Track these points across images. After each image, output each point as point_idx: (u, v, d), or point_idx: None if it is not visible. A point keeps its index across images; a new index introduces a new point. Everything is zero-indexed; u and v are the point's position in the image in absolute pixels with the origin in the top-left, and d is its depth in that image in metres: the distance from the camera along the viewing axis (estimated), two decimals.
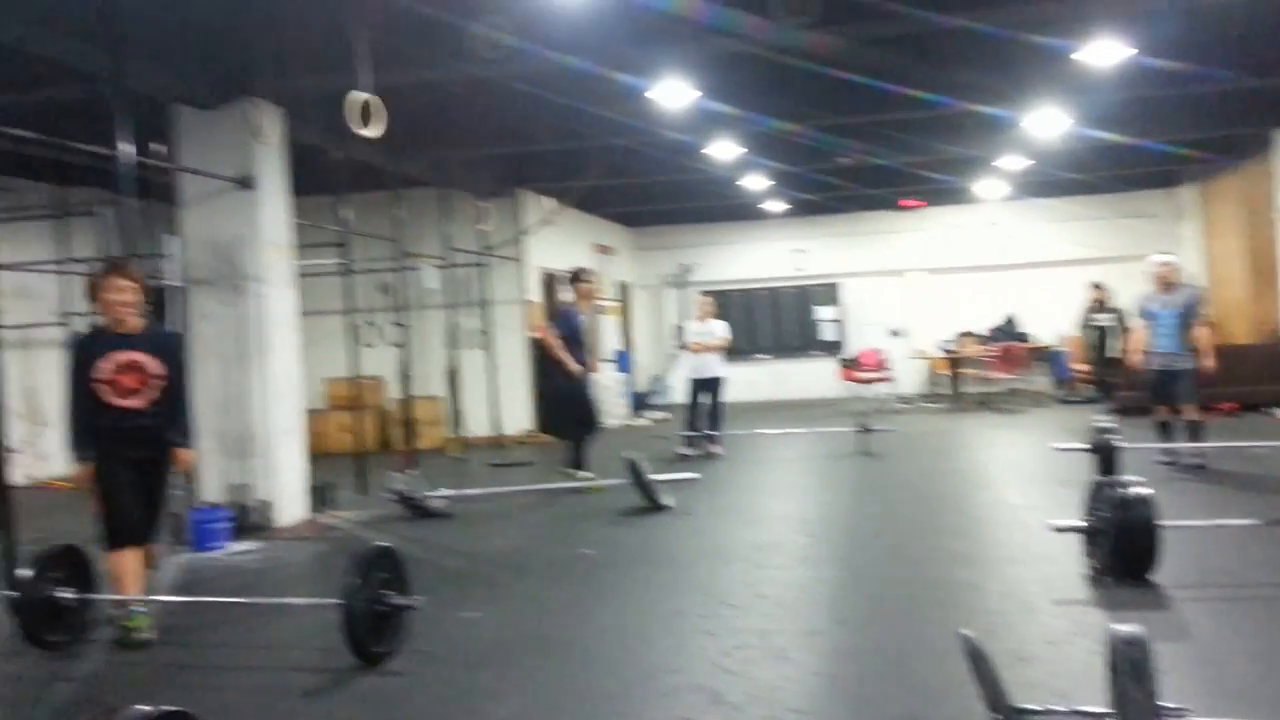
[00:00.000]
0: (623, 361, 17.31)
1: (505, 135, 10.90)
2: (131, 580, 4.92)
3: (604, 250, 17.40)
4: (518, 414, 13.31)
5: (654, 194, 15.57)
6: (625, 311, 18.68)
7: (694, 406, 11.39)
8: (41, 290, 10.96)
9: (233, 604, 5.40)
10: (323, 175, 8.97)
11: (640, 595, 5.59)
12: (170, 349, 5.10)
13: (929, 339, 17.60)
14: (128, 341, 4.87)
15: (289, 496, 7.83)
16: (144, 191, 8.79)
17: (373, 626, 4.44)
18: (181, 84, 7.50)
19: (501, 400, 12.69)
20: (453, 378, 11.81)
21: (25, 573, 4.80)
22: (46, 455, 11.00)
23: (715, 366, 11.39)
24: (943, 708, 3.74)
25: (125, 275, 4.97)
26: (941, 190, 16.11)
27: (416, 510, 7.86)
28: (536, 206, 13.81)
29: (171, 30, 7.05)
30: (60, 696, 4.34)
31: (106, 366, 4.80)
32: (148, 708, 2.48)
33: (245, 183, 7.72)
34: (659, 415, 15.92)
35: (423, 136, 10.49)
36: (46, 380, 11.14)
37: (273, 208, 7.95)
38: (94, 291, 5.00)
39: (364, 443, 9.98)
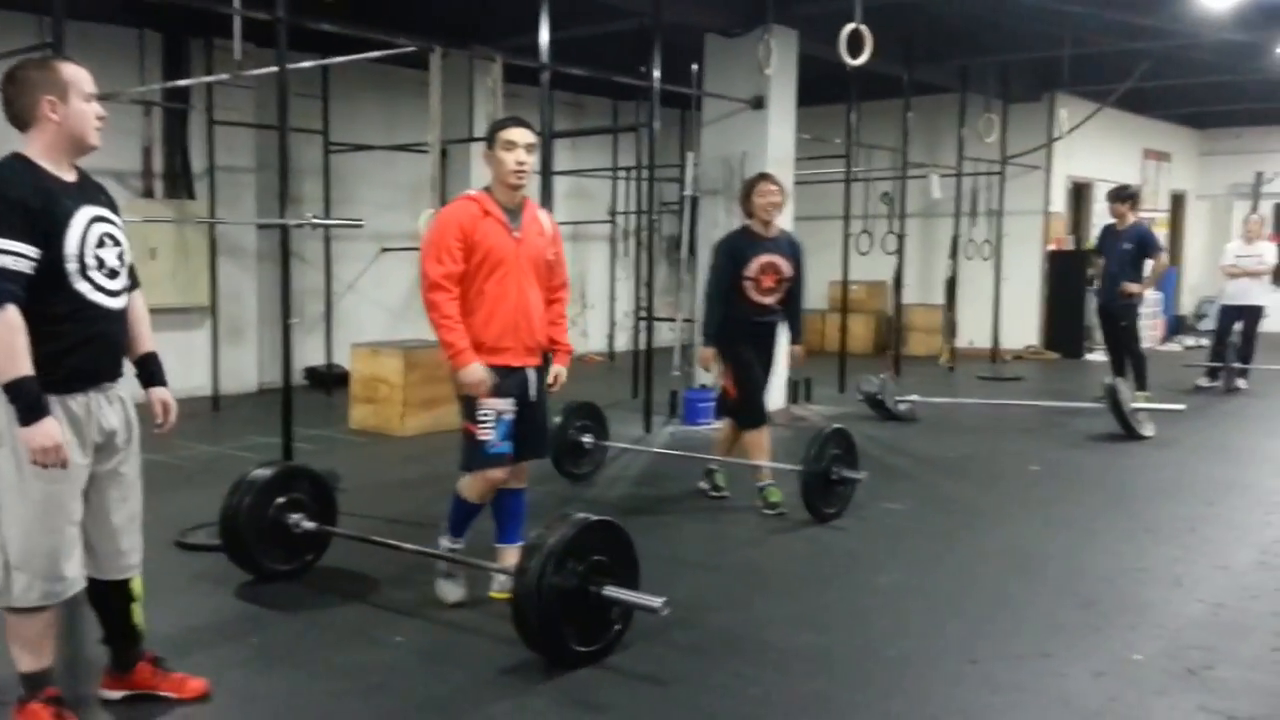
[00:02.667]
0: (1165, 281, 16.71)
1: (1035, 39, 11.07)
2: (763, 453, 6.02)
3: (1157, 157, 16.74)
4: (1021, 328, 13.74)
5: (1220, 93, 14.65)
6: (1176, 224, 17.86)
7: (1222, 336, 11.10)
8: (594, 191, 13.57)
9: (709, 462, 6.91)
10: (837, 85, 10.09)
11: (1064, 512, 6.19)
12: (798, 254, 5.98)
13: None
14: (768, 245, 5.92)
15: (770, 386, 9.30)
16: (684, 108, 10.66)
17: (823, 491, 5.75)
18: (710, 15, 9.09)
19: (1004, 313, 13.20)
20: (951, 288, 12.56)
21: (555, 420, 6.65)
22: (587, 333, 13.77)
23: (1256, 293, 10.95)
24: None
25: (774, 181, 5.96)
26: None
27: (883, 412, 8.98)
28: (1071, 111, 13.78)
29: None
30: (566, 507, 6.09)
31: (753, 266, 5.87)
32: (585, 514, 3.87)
33: (757, 103, 9.19)
34: (1195, 342, 15.29)
35: (946, 43, 11.19)
36: (593, 268, 13.87)
37: (779, 126, 9.35)
38: (746, 195, 5.95)
39: (858, 344, 11.20)
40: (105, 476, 3.18)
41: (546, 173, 7.72)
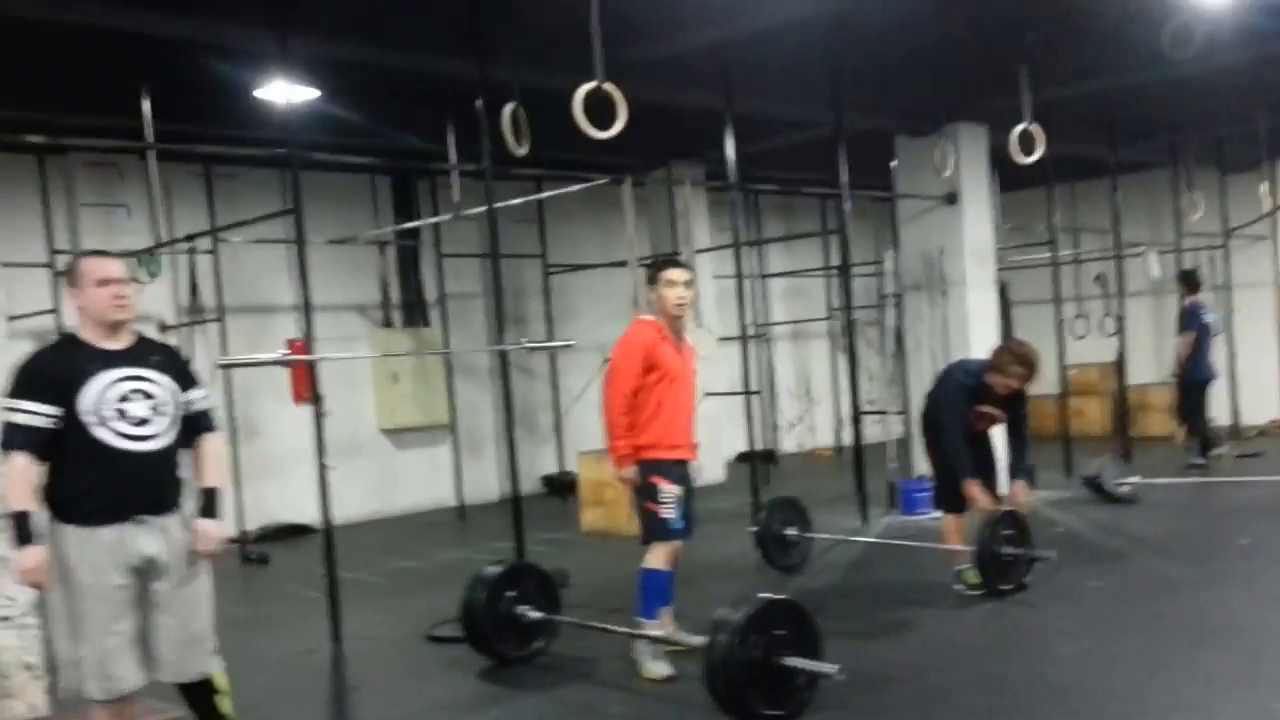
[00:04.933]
0: None
1: (1247, 108, 10.94)
2: (955, 538, 6.66)
3: None
4: (1263, 402, 13.49)
5: None
6: None
7: None
8: (811, 290, 14.34)
9: (918, 548, 7.42)
10: (1040, 169, 10.36)
11: (1270, 583, 6.39)
12: (1019, 406, 6.51)
13: None
14: (993, 400, 6.50)
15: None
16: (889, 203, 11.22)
17: (999, 570, 6.26)
18: (894, 119, 9.81)
19: (1242, 388, 12.99)
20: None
21: (762, 514, 7.44)
22: (814, 429, 14.39)
23: None
24: None
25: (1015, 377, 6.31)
26: None
27: (1103, 495, 9.16)
28: None
29: (887, 76, 9.16)
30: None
31: (972, 413, 6.51)
32: (771, 595, 4.59)
33: (950, 199, 9.80)
34: None
35: (1153, 121, 11.34)
36: (815, 365, 14.56)
37: (975, 219, 9.90)
38: (997, 368, 6.33)
39: (1094, 426, 11.56)
40: (155, 595, 3.78)
41: (758, 275, 8.60)
